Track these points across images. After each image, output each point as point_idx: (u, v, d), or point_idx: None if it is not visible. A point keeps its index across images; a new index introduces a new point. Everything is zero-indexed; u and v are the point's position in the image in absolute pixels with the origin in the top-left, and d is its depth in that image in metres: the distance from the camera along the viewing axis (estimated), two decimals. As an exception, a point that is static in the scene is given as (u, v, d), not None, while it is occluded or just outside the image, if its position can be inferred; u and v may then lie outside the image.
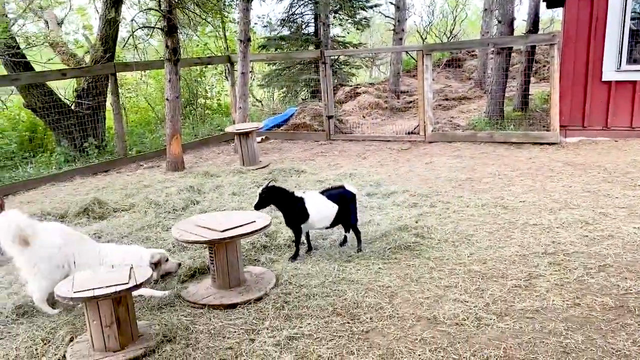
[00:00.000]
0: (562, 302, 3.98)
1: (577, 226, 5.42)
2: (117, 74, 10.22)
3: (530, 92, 12.40)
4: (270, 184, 5.14)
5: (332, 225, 5.23)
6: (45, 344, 3.90)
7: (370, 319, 3.98)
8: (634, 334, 3.49)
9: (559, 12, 18.74)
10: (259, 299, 4.40)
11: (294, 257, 5.17)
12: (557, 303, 3.98)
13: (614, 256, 4.67)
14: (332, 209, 5.11)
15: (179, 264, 4.97)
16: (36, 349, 3.83)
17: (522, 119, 10.74)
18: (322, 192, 5.21)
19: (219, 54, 15.92)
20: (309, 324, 3.96)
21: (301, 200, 5.06)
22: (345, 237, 5.47)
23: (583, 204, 6.06)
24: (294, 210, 5.05)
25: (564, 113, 9.25)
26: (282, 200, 5.07)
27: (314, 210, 5.06)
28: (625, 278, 4.27)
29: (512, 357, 3.37)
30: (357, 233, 5.29)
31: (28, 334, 4.02)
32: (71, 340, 3.92)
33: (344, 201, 5.16)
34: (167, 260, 4.85)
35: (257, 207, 5.01)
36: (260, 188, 5.07)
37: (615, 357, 3.28)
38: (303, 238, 5.34)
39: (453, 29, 24.97)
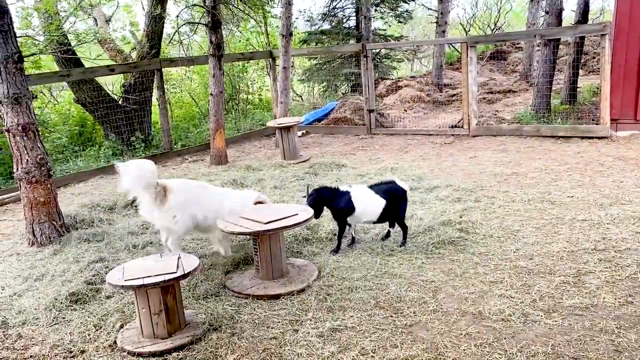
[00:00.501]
0: (613, 300, 3.86)
1: (629, 222, 5.23)
2: (162, 69, 10.46)
3: (578, 85, 12.00)
4: (311, 190, 5.15)
5: (380, 220, 5.17)
6: (97, 329, 4.05)
7: (414, 313, 3.95)
8: (692, 334, 3.36)
9: (609, 2, 18.07)
10: (302, 291, 4.44)
11: (336, 250, 5.19)
12: (609, 301, 3.86)
13: (669, 254, 4.50)
14: (379, 203, 5.06)
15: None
16: (89, 335, 3.98)
17: (570, 112, 10.41)
18: (371, 187, 5.17)
19: (261, 49, 16.06)
20: (352, 316, 3.97)
21: (347, 194, 5.06)
22: (389, 231, 5.45)
23: (636, 200, 5.84)
24: (339, 204, 5.06)
25: (614, 106, 8.92)
26: (329, 197, 5.09)
27: (360, 204, 5.04)
28: (682, 276, 4.10)
29: (560, 354, 3.29)
30: (404, 228, 5.25)
31: (81, 319, 4.18)
32: (121, 327, 4.06)
33: (393, 197, 5.09)
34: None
35: (316, 216, 5.06)
36: (305, 200, 5.09)
37: (671, 358, 3.16)
38: (348, 231, 5.35)
39: (497, 20, 24.42)
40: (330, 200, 5.10)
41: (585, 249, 4.74)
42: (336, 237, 5.28)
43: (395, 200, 5.11)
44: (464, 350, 3.44)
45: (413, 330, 3.72)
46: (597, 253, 4.64)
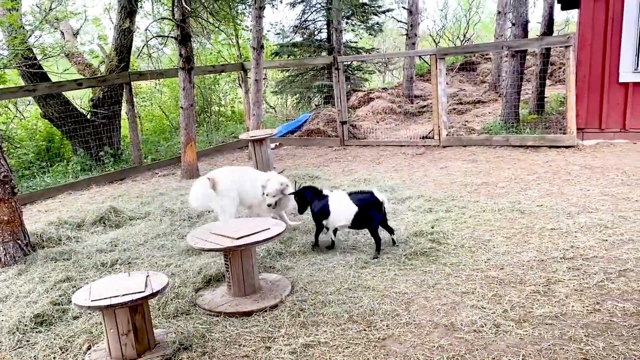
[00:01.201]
0: (582, 308, 3.92)
1: (596, 230, 5.33)
2: (131, 83, 10.32)
3: (545, 95, 12.27)
4: (302, 186, 5.66)
5: (355, 226, 5.33)
6: (63, 352, 3.93)
7: (387, 326, 3.94)
8: (657, 341, 3.42)
9: (574, 13, 18.59)
10: (275, 307, 4.39)
11: (314, 246, 5.62)
12: (577, 309, 3.91)
13: (634, 260, 4.59)
14: (351, 211, 5.21)
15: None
16: (54, 357, 3.86)
17: (538, 122, 10.63)
18: (349, 194, 5.37)
19: (232, 62, 16.02)
20: (325, 331, 3.94)
21: (326, 198, 5.39)
22: (393, 240, 5.53)
23: (602, 208, 5.97)
24: (315, 207, 5.44)
25: (580, 115, 9.14)
26: (310, 199, 5.52)
27: (335, 210, 5.30)
28: (647, 283, 4.19)
29: (531, 364, 3.32)
30: (377, 239, 5.29)
31: (46, 342, 4.05)
32: (89, 348, 3.95)
33: (366, 206, 5.20)
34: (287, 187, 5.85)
35: (300, 211, 5.64)
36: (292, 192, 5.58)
37: (638, 365, 3.21)
38: (328, 235, 5.63)
39: (466, 32, 24.87)
40: (310, 202, 5.53)
41: (554, 258, 4.81)
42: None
43: (368, 210, 5.18)
44: (437, 363, 3.43)
45: (386, 344, 3.71)
46: (566, 261, 4.72)
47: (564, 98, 9.91)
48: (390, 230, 5.49)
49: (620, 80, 8.94)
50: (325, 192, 5.50)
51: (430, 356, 3.51)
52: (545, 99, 12.25)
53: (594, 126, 9.26)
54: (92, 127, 10.55)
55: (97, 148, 10.55)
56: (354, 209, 5.20)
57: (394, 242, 5.50)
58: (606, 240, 5.07)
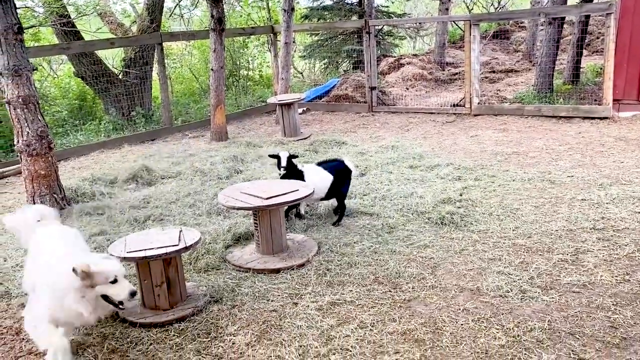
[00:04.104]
0: (610, 278, 3.90)
1: (629, 202, 5.25)
2: (163, 43, 10.36)
3: (582, 65, 11.91)
4: (289, 155, 5.40)
5: (327, 197, 5.37)
6: (99, 300, 4.09)
7: (412, 288, 4.00)
8: (687, 312, 3.40)
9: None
10: (302, 265, 4.48)
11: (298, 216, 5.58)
12: (606, 278, 3.90)
13: (667, 233, 4.53)
14: (327, 179, 5.28)
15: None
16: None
17: (572, 92, 10.35)
18: (319, 164, 5.46)
19: (262, 25, 15.90)
20: (351, 290, 4.01)
21: (301, 173, 5.34)
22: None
23: (636, 180, 5.85)
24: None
25: (617, 86, 8.87)
26: (292, 172, 5.38)
27: (311, 182, 5.19)
28: (679, 256, 4.14)
29: (557, 329, 3.34)
30: (342, 209, 5.40)
31: (83, 291, 4.21)
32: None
33: (340, 173, 5.35)
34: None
35: (283, 177, 5.40)
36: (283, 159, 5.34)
37: (666, 334, 3.21)
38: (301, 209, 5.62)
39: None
40: (293, 175, 5.37)
41: (584, 228, 4.77)
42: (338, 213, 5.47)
43: (341, 178, 5.36)
44: (462, 325, 3.48)
45: (411, 305, 3.77)
46: (596, 232, 4.67)
47: (601, 68, 9.62)
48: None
49: (662, 51, 8.61)
50: (299, 166, 5.44)
51: (456, 318, 3.57)
52: (581, 70, 11.90)
53: (632, 97, 8.98)
54: (124, 87, 10.68)
55: (129, 108, 10.70)
56: (329, 178, 5.27)
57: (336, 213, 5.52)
58: (639, 212, 5.00)
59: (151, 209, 6.01)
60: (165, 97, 10.36)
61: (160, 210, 5.95)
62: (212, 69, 9.39)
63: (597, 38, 17.43)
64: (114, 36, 11.33)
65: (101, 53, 11.11)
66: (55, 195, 6.03)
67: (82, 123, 10.44)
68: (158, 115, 11.10)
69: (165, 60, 10.82)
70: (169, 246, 3.75)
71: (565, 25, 14.45)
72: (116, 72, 11.14)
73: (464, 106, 10.22)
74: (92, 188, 6.68)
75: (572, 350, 3.12)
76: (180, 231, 4.04)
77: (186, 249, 3.80)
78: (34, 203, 5.94)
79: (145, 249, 3.73)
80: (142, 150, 9.15)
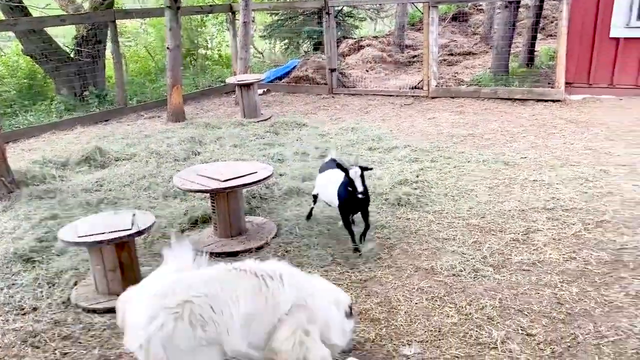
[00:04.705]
0: (558, 256, 4.04)
1: (577, 183, 5.44)
2: (116, 21, 10.00)
3: (536, 49, 12.18)
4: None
5: None
6: (50, 286, 3.99)
7: (369, 268, 4.05)
8: (627, 287, 3.57)
9: (570, -35, 18.15)
10: (260, 248, 4.47)
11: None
12: (554, 257, 4.04)
13: (612, 212, 4.71)
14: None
15: None
16: (41, 292, 3.91)
17: (527, 75, 10.58)
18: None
19: (220, 3, 15.56)
20: (309, 272, 4.00)
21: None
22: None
23: (584, 161, 6.06)
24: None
25: (569, 70, 9.12)
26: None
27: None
28: (622, 234, 4.32)
29: (507, 307, 3.45)
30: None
31: (33, 277, 4.10)
32: (75, 284, 4.01)
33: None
34: None
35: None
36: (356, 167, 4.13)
37: (608, 308, 3.36)
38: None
39: (460, -19, 24.26)
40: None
41: (535, 208, 4.92)
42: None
43: None
44: (416, 303, 3.56)
45: (368, 285, 3.82)
46: (546, 212, 4.83)
47: (555, 52, 9.86)
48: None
49: (611, 35, 8.88)
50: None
51: (410, 297, 3.63)
52: (536, 53, 12.17)
53: (582, 81, 9.26)
54: (76, 66, 10.29)
55: (81, 88, 10.33)
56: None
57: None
58: (586, 192, 5.18)
59: (104, 192, 5.86)
60: (120, 77, 10.05)
61: (114, 193, 5.81)
62: (168, 48, 9.15)
63: (552, 22, 17.81)
64: (65, 13, 10.87)
65: (51, 30, 10.65)
66: (2, 179, 5.79)
67: (32, 103, 10.04)
68: (112, 95, 10.76)
69: (119, 39, 10.46)
70: (122, 230, 3.67)
71: (521, 9, 14.71)
72: (67, 51, 10.72)
73: (422, 89, 10.31)
74: (43, 171, 6.45)
75: (521, 327, 3.23)
76: (134, 215, 3.95)
77: (140, 233, 3.73)
78: (-20, 187, 5.71)
79: (97, 234, 3.64)
80: (96, 131, 8.88)
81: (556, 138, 7.04)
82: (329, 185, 4.48)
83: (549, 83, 9.68)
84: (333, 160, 4.71)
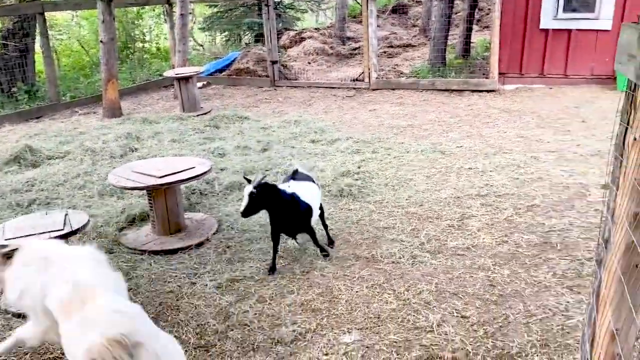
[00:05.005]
0: (491, 240, 4.20)
1: (510, 169, 5.66)
2: (45, 13, 9.56)
3: (472, 40, 12.54)
4: (263, 181, 3.73)
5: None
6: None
7: (311, 261, 4.07)
8: (555, 267, 3.75)
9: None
10: (201, 244, 4.41)
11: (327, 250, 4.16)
12: (487, 241, 4.20)
13: (541, 197, 4.94)
14: (316, 190, 4.11)
15: None
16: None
17: (463, 66, 10.89)
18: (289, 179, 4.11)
19: (157, -5, 15.15)
20: (251, 266, 4.03)
21: (295, 196, 3.88)
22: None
23: (516, 149, 6.31)
24: (299, 211, 3.87)
25: (502, 60, 9.45)
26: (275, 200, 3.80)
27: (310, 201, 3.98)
28: (551, 217, 4.54)
29: (443, 290, 3.56)
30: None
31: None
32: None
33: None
34: None
35: (245, 213, 3.76)
36: (250, 186, 3.68)
37: (537, 288, 3.53)
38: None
39: (399, -26, 24.62)
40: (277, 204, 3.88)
41: (470, 195, 5.08)
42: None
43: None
44: (357, 292, 3.61)
45: (310, 277, 3.84)
46: (480, 198, 5.00)
47: (489, 43, 10.19)
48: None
49: (541, 27, 9.27)
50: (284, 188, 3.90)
51: (351, 286, 3.69)
52: (472, 44, 12.53)
53: (515, 71, 9.63)
54: (2, 61, 9.78)
55: (9, 84, 9.84)
56: (317, 189, 4.13)
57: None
58: (517, 178, 5.40)
59: (36, 192, 5.62)
60: (51, 72, 9.63)
61: (46, 193, 5.58)
62: (101, 41, 8.84)
63: (487, 14, 18.36)
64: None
65: (-27, 23, 10.08)
66: None
67: (-46, 100, 9.48)
68: (43, 91, 10.31)
69: (49, 32, 10.02)
70: (53, 231, 3.54)
71: (457, 2, 15.09)
72: (-7, 44, 10.18)
73: (363, 81, 10.43)
74: (-32, 172, 6.11)
75: (456, 309, 3.35)
76: (66, 214, 3.82)
77: (72, 233, 3.60)
78: None
79: (26, 235, 3.49)
80: (26, 129, 8.48)
81: (490, 127, 7.29)
82: None
83: (483, 74, 10.00)
84: (295, 172, 4.23)
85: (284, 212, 3.83)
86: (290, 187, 3.92)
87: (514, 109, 8.13)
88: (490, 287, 3.57)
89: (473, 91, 9.36)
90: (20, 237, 3.46)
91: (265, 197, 3.69)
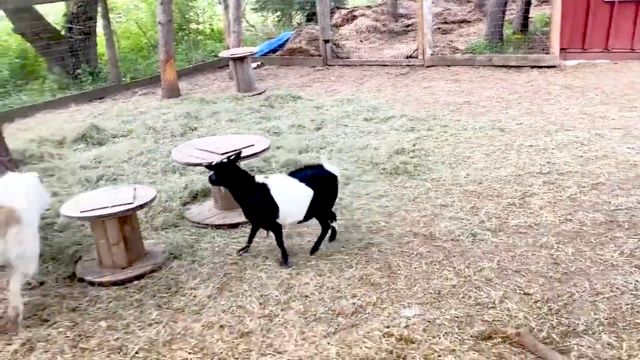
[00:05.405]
0: (554, 218, 4.11)
1: (573, 147, 5.48)
2: (106, -4, 9.87)
3: (530, 15, 12.09)
4: (226, 159, 3.80)
5: (306, 218, 3.87)
6: (54, 262, 4.04)
7: (369, 236, 4.10)
8: (622, 246, 3.64)
9: None
10: (260, 219, 4.50)
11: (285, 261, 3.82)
12: (550, 219, 4.11)
13: (607, 175, 4.77)
14: (305, 196, 3.77)
15: None
16: (47, 267, 3.97)
17: (521, 42, 10.53)
18: (292, 174, 3.93)
19: (211, -24, 15.32)
20: (309, 240, 4.10)
21: (262, 190, 3.72)
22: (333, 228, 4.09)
23: (579, 126, 6.10)
24: (256, 202, 3.75)
25: (564, 35, 9.07)
26: (236, 184, 3.79)
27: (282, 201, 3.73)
28: (617, 195, 4.39)
29: (504, 268, 3.53)
30: (325, 229, 3.96)
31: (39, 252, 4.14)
32: (80, 258, 4.06)
33: (322, 185, 3.86)
34: None
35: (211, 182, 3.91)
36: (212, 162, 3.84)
37: (603, 267, 3.44)
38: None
39: (453, -52, 23.90)
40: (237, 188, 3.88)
41: (531, 173, 4.97)
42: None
43: (324, 190, 3.88)
44: (416, 268, 3.63)
45: (368, 252, 3.88)
46: (542, 176, 4.88)
47: (549, 18, 9.80)
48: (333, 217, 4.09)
49: (606, -1, 8.84)
50: (258, 179, 3.79)
51: (410, 262, 3.71)
52: (530, 19, 12.08)
53: (577, 46, 9.23)
54: (68, 44, 10.19)
55: (74, 66, 10.24)
56: (309, 193, 3.77)
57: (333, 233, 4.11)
58: (581, 156, 5.24)
59: (103, 168, 5.88)
60: (112, 54, 9.96)
61: (112, 169, 5.83)
62: (159, 23, 9.06)
63: (546, -13, 17.62)
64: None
65: (41, 8, 10.50)
66: (1, 158, 5.79)
67: (24, 83, 9.95)
68: (105, 73, 10.69)
69: (110, 15, 10.34)
70: (123, 204, 3.71)
71: (515, -25, 14.53)
72: (58, 28, 10.60)
73: (417, 58, 10.26)
74: (40, 149, 6.45)
75: (518, 286, 3.32)
76: (135, 189, 3.99)
77: (141, 206, 3.77)
78: (-21, 167, 5.71)
79: (99, 208, 3.68)
80: (90, 109, 8.85)
81: (551, 104, 7.06)
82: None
83: (543, 49, 9.64)
84: (301, 169, 4.00)
85: (240, 197, 3.81)
86: (270, 179, 3.77)
87: (576, 85, 7.83)
88: (554, 265, 3.51)
89: (532, 67, 9.06)
90: (95, 209, 3.66)
91: (224, 176, 3.79)
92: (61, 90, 9.81)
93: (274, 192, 3.71)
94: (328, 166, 3.93)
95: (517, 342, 2.82)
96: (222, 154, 4.44)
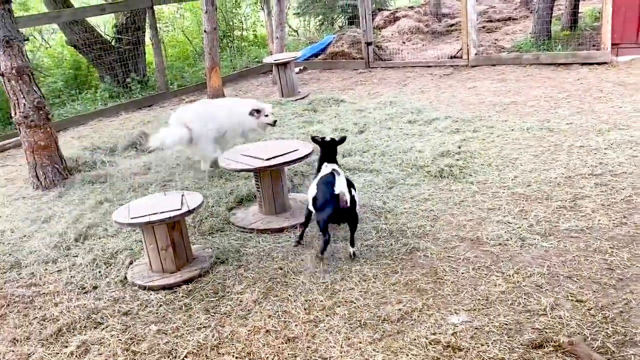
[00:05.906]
0: (608, 222, 3.96)
1: (626, 147, 5.27)
2: (154, 7, 10.18)
3: (580, 10, 11.69)
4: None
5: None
6: (107, 266, 4.19)
7: (414, 241, 4.06)
8: (682, 251, 3.47)
9: None
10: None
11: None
12: (603, 223, 3.96)
13: (664, 176, 4.56)
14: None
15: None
16: (99, 272, 4.12)
17: (570, 38, 10.20)
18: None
19: (254, -17, 15.55)
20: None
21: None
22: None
23: (634, 125, 5.85)
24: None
25: (616, 30, 8.72)
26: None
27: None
28: (676, 197, 4.19)
29: (555, 274, 3.42)
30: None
31: (91, 257, 4.31)
32: (131, 263, 4.20)
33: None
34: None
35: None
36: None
37: (662, 273, 3.29)
38: None
39: (498, -56, 23.40)
40: None
41: (582, 174, 4.81)
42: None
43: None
44: (462, 273, 3.57)
45: (413, 257, 3.85)
46: (594, 178, 4.71)
47: (599, 13, 9.46)
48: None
49: (662, -9, 8.44)
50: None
51: (456, 267, 3.65)
52: (579, 15, 11.68)
53: (630, 41, 8.85)
54: (118, 54, 10.56)
55: (124, 75, 10.61)
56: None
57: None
58: (636, 156, 5.02)
59: (152, 174, 6.06)
60: (160, 62, 10.26)
61: (161, 175, 6.00)
62: (205, 31, 9.26)
63: (597, -19, 17.02)
64: (104, 2, 11.12)
65: (92, 20, 10.94)
66: (56, 166, 6.06)
67: (78, 92, 10.38)
68: (153, 81, 11.02)
69: (157, 24, 10.65)
70: (172, 210, 3.81)
71: (563, -30, 14.10)
72: (109, 39, 11.00)
73: (461, 58, 10.10)
74: (93, 157, 6.71)
75: (570, 293, 3.21)
76: (183, 195, 4.09)
77: (189, 212, 3.86)
78: (36, 174, 5.99)
79: (149, 214, 3.79)
80: (140, 116, 9.13)
81: (603, 102, 6.81)
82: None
83: (594, 45, 9.31)
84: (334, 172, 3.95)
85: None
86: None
87: (630, 82, 7.52)
88: (608, 270, 3.38)
89: (582, 64, 8.75)
90: (145, 215, 3.77)
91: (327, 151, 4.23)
92: (112, 99, 10.17)
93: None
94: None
95: (570, 351, 2.73)
96: (267, 159, 4.51)
